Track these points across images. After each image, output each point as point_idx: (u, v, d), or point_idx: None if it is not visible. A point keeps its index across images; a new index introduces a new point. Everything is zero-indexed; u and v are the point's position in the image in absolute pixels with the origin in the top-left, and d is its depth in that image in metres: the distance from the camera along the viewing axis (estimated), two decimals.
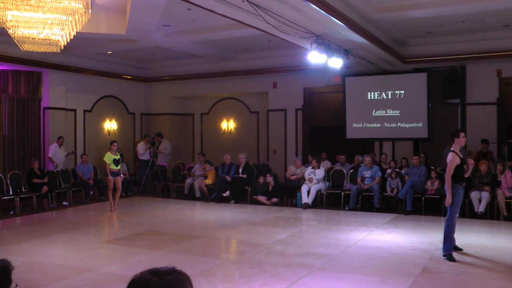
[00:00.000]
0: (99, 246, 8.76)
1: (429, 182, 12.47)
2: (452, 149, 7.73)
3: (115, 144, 12.97)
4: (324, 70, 14.13)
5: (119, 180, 12.82)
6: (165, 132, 18.30)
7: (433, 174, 12.46)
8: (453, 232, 7.69)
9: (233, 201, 14.06)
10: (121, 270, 7.13)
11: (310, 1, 7.95)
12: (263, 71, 16.58)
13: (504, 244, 8.95)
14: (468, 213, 11.60)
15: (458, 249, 7.96)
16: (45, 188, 12.96)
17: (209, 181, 14.95)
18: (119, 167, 12.83)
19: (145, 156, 16.61)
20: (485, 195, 11.56)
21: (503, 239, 9.47)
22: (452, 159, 7.61)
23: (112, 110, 18.06)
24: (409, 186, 12.30)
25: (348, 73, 15.32)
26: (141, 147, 16.75)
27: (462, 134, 7.77)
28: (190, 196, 15.07)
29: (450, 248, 7.63)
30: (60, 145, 14.86)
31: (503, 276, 6.81)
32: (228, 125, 18.88)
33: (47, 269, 7.26)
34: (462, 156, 7.76)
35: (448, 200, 7.63)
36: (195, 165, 15.84)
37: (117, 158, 12.75)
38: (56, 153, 14.68)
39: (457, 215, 7.80)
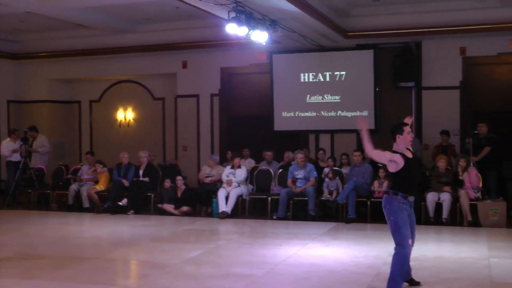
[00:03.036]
0: None
1: (376, 183, 12.78)
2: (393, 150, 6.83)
3: None
4: (246, 46, 14.22)
5: None
6: (42, 125, 17.79)
7: (381, 173, 12.72)
8: (404, 266, 6.69)
9: (132, 211, 13.91)
10: None
11: None
12: (169, 47, 16.52)
13: (467, 254, 9.29)
14: (425, 219, 12.03)
15: (414, 283, 7.17)
16: None
17: (101, 186, 14.70)
18: None
19: (14, 157, 16.05)
20: (446, 197, 11.98)
21: (467, 248, 9.85)
22: (385, 153, 6.71)
23: None
24: (351, 189, 12.55)
25: (276, 49, 15.48)
26: (5, 145, 16.13)
27: (407, 129, 6.84)
28: (76, 206, 14.78)
29: None
30: None
31: None
32: (125, 115, 18.70)
33: None
34: (411, 156, 6.85)
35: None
36: (83, 167, 15.56)
37: None
38: None
39: (410, 242, 6.70)
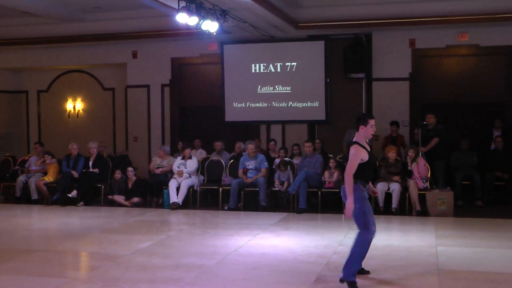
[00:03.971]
0: None
1: (326, 173, 12.91)
2: (355, 140, 6.96)
3: None
4: (197, 36, 14.15)
5: None
6: None
7: (331, 163, 12.89)
8: (365, 250, 6.92)
9: (82, 203, 13.79)
10: None
11: None
12: (119, 37, 16.38)
13: (416, 243, 9.50)
14: (375, 208, 12.20)
15: (364, 272, 7.28)
16: None
17: (49, 178, 14.51)
18: None
19: None
20: (395, 187, 12.20)
21: (415, 237, 10.07)
22: (356, 153, 6.76)
23: None
24: (302, 179, 12.68)
25: (227, 39, 15.48)
26: None
27: (371, 122, 6.93)
28: (24, 198, 14.59)
29: (354, 272, 6.82)
30: None
31: (412, 279, 7.26)
32: (74, 105, 18.49)
33: None
34: (369, 149, 7.04)
35: (349, 205, 6.61)
36: (31, 158, 15.32)
37: None
38: None
39: (375, 229, 6.90)
